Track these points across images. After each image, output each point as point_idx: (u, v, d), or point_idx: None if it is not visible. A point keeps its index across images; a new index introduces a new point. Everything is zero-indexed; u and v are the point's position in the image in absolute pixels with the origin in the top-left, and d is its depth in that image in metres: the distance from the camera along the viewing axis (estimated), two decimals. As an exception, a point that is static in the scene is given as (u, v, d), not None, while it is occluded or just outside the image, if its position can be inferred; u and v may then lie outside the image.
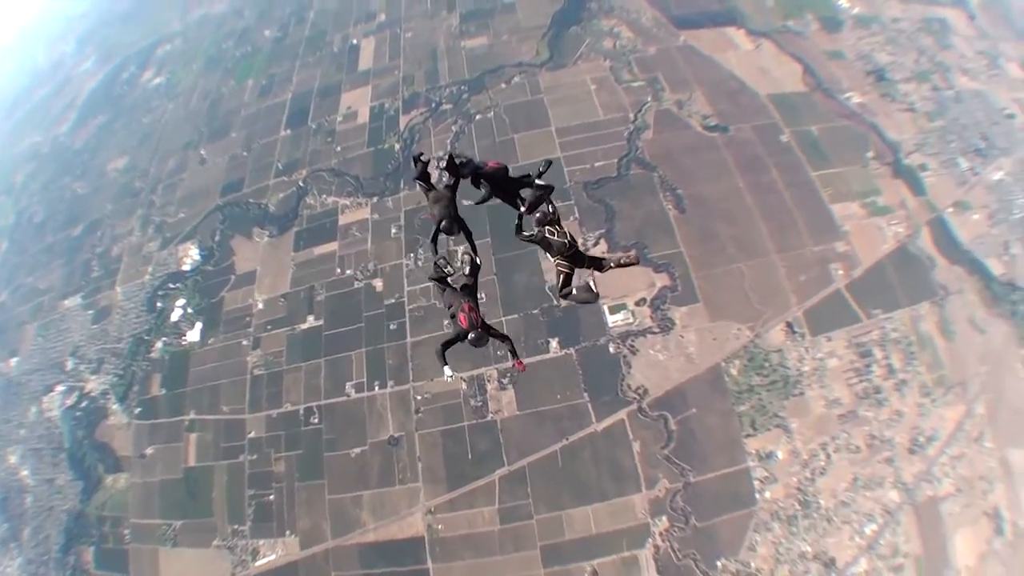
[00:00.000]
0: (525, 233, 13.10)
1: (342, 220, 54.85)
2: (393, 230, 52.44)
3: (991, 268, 45.48)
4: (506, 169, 13.60)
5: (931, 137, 51.28)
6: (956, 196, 48.49)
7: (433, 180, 13.87)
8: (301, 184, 58.71)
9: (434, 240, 13.40)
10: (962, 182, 49.29)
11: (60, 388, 58.67)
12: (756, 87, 53.58)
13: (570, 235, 12.83)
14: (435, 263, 13.33)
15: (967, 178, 49.50)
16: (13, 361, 64.48)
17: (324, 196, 57.03)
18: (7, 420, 60.96)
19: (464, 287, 12.93)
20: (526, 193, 13.67)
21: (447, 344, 12.40)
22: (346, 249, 52.93)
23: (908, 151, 50.33)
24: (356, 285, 50.72)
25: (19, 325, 66.86)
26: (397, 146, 57.74)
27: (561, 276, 12.97)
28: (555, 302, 45.42)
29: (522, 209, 13.39)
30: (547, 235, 12.76)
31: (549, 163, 14.26)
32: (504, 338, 12.96)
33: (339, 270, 52.00)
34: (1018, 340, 43.24)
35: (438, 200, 13.16)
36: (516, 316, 46.00)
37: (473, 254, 13.73)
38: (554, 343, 44.44)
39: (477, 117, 56.81)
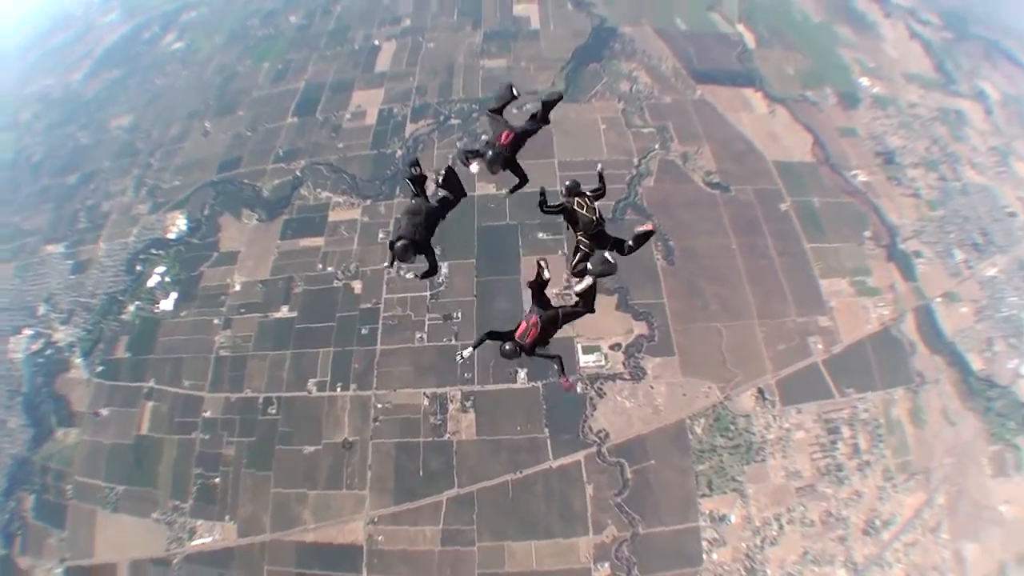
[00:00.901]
0: (550, 204, 12.52)
1: (332, 216, 54.38)
2: (381, 235, 51.74)
3: (971, 362, 45.74)
4: (515, 132, 12.67)
5: (930, 225, 51.55)
6: (947, 287, 48.70)
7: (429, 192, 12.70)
8: (298, 174, 58.27)
9: (392, 249, 12.12)
10: (955, 274, 49.53)
11: (28, 332, 57.90)
12: (764, 151, 53.78)
13: (599, 212, 12.39)
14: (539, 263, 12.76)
15: (960, 271, 49.78)
16: (-14, 295, 63.90)
17: (318, 190, 56.58)
18: (-31, 355, 60.30)
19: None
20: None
21: (492, 334, 12.21)
22: (331, 246, 52.48)
23: (905, 236, 50.56)
24: (335, 284, 50.20)
25: (-1, 262, 66.42)
26: (399, 152, 57.27)
27: (578, 254, 12.54)
28: (530, 332, 45.12)
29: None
30: (576, 207, 12.29)
31: (560, 96, 13.64)
32: (552, 358, 12.61)
33: (321, 266, 51.49)
34: (987, 436, 43.47)
35: (414, 213, 12.10)
36: (490, 341, 45.18)
37: (428, 273, 12.82)
38: (522, 374, 43.95)
39: (483, 137, 55.33)
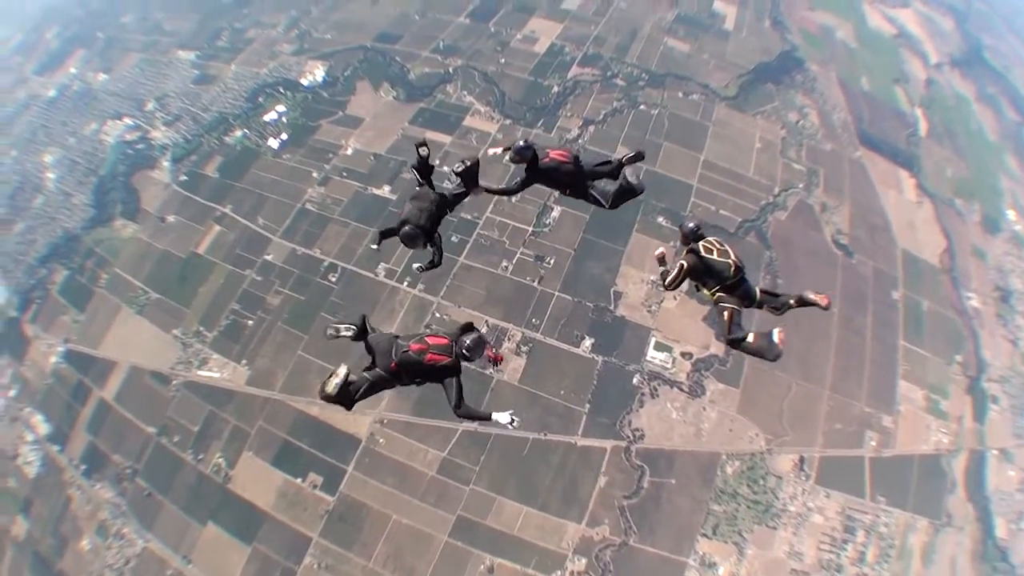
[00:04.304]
0: (672, 277, 10.07)
1: (467, 122, 53.85)
2: (507, 157, 50.42)
3: (997, 527, 43.48)
4: (573, 161, 11.44)
5: (1017, 378, 49.13)
6: (1007, 444, 46.40)
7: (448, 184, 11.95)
8: (451, 71, 57.73)
9: (384, 236, 11.44)
10: (1019, 435, 47.18)
11: (128, 121, 58.79)
12: (898, 236, 51.79)
13: (736, 257, 10.03)
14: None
15: (1025, 435, 47.70)
16: (102, 76, 64.96)
17: (464, 92, 56.06)
18: (64, 123, 61.16)
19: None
20: (603, 184, 11.47)
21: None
22: (456, 148, 51.71)
23: (991, 377, 48.34)
24: (446, 184, 48.88)
25: (126, 50, 67.34)
26: (555, 88, 56.41)
27: (726, 314, 10.02)
28: (612, 307, 44.34)
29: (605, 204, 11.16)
30: (703, 254, 9.94)
31: (641, 155, 11.73)
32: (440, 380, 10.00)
33: (438, 162, 50.23)
34: (980, 604, 41.36)
35: (420, 198, 11.23)
36: (569, 298, 44.69)
37: (432, 265, 11.78)
38: (588, 342, 42.96)
39: (641, 106, 55.30)
